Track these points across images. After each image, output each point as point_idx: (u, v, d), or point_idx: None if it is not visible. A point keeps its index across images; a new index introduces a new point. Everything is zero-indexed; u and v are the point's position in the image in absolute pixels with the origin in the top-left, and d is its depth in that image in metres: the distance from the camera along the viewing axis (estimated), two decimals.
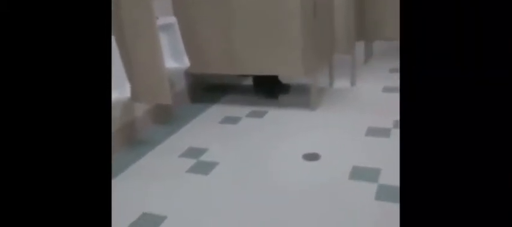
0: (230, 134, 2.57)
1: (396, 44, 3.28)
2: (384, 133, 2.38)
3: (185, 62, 2.63)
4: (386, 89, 3.08)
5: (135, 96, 2.31)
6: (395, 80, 3.20)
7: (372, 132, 2.41)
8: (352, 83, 3.22)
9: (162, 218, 1.78)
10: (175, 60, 2.65)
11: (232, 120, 2.78)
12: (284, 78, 3.23)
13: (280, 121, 2.72)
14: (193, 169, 2.18)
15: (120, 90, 2.14)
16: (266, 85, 3.12)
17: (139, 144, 2.51)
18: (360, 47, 3.51)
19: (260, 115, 2.83)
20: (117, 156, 2.35)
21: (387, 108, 2.70)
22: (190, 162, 2.25)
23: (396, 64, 3.50)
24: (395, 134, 2.36)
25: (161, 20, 2.48)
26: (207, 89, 3.31)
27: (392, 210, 1.69)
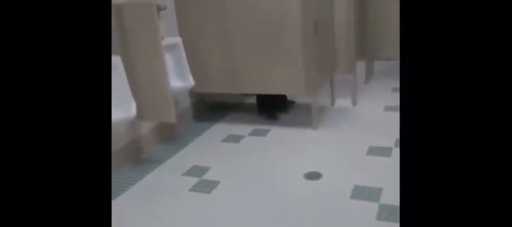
0: (233, 153, 2.61)
1: (397, 63, 3.33)
2: (385, 152, 2.41)
3: (190, 81, 2.68)
4: (388, 108, 3.11)
5: (140, 114, 2.35)
6: (396, 99, 3.23)
7: (373, 151, 2.44)
8: (354, 103, 3.26)
9: None
10: (180, 79, 2.71)
11: (235, 138, 2.81)
12: (290, 96, 3.29)
13: (282, 139, 2.75)
14: (196, 187, 2.20)
15: (126, 109, 2.18)
16: (269, 104, 3.16)
17: (144, 162, 2.55)
18: (361, 66, 3.56)
19: (263, 133, 2.87)
20: (121, 174, 2.38)
21: (388, 127, 2.73)
22: (193, 180, 2.28)
23: (397, 84, 3.54)
24: (397, 153, 2.39)
25: (166, 40, 2.55)
26: (211, 108, 3.35)
27: None
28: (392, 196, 1.93)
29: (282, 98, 3.23)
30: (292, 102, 3.32)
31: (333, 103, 3.28)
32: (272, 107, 3.16)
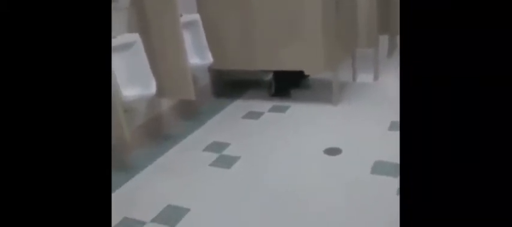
0: (252, 129, 2.61)
1: None
2: None
3: (208, 58, 2.68)
4: None
5: (160, 92, 2.37)
6: None
7: (396, 126, 2.38)
8: (375, 77, 3.18)
9: (186, 211, 1.84)
10: (198, 56, 2.71)
11: (255, 115, 2.81)
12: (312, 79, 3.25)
13: (301, 116, 2.73)
14: (216, 163, 2.23)
15: (146, 86, 2.21)
16: (286, 81, 3.12)
17: (165, 139, 2.58)
18: (383, 40, 3.46)
19: (282, 109, 2.85)
20: (142, 150, 2.43)
21: None
22: (213, 156, 2.30)
23: None
24: None
25: (185, 17, 2.54)
26: (229, 85, 3.35)
27: None
28: None
29: (300, 74, 3.18)
30: (307, 76, 3.27)
31: (354, 78, 3.22)
32: (289, 84, 3.12)
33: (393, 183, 1.85)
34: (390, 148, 2.16)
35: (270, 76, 3.27)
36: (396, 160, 2.02)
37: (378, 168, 1.98)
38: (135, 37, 2.19)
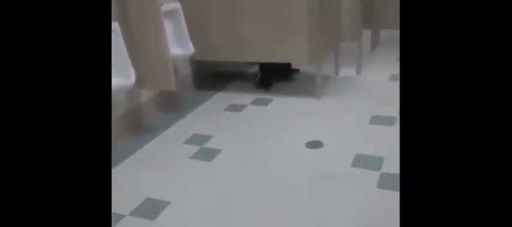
0: (234, 122, 2.58)
1: None
2: (389, 121, 2.37)
3: (190, 49, 2.63)
4: (393, 78, 3.05)
5: (140, 82, 2.31)
6: None
7: (377, 120, 2.40)
8: (358, 72, 3.19)
9: (166, 203, 1.80)
10: (180, 46, 2.65)
11: (237, 108, 2.78)
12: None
13: (284, 109, 2.71)
14: (197, 156, 2.19)
15: (125, 76, 2.15)
16: (272, 73, 3.11)
17: (144, 130, 2.53)
18: (366, 35, 3.47)
19: (265, 102, 2.83)
20: (122, 142, 2.37)
21: (393, 97, 2.68)
22: (194, 149, 2.26)
23: None
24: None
25: (166, 6, 2.48)
26: (212, 76, 3.31)
27: (395, 198, 1.69)
28: (394, 164, 1.91)
29: (287, 66, 3.16)
30: (297, 71, 3.26)
31: (337, 72, 3.22)
32: (274, 76, 3.10)
33: (374, 176, 1.86)
34: (371, 142, 2.17)
35: (255, 68, 3.24)
36: (376, 153, 2.04)
37: (359, 161, 1.99)
38: (115, 26, 2.13)
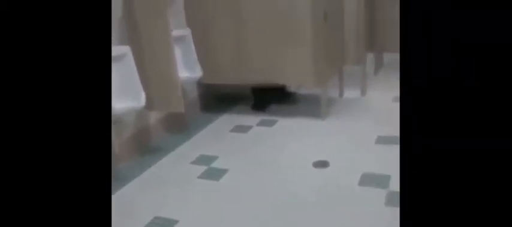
0: (240, 143, 2.61)
1: None
2: (394, 140, 2.39)
3: (198, 72, 2.70)
4: (396, 99, 3.09)
5: (149, 104, 2.37)
6: None
7: (382, 140, 2.42)
8: (362, 93, 3.24)
9: (174, 222, 1.82)
10: (188, 70, 2.73)
11: (243, 129, 2.82)
12: (291, 87, 3.30)
13: (290, 130, 2.75)
14: (204, 175, 2.22)
15: (135, 98, 2.20)
16: (266, 96, 3.17)
17: (153, 151, 2.57)
18: (370, 58, 3.54)
19: (270, 124, 2.87)
20: (130, 162, 2.41)
21: (397, 117, 2.70)
22: (202, 169, 2.29)
23: None
24: None
25: (175, 32, 2.57)
26: (218, 99, 3.37)
27: None
28: None
29: (280, 89, 3.23)
30: (293, 94, 3.32)
31: (341, 94, 3.27)
32: (268, 99, 3.16)
33: (381, 194, 1.87)
34: (377, 161, 2.19)
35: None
36: (383, 172, 2.05)
37: (366, 180, 2.00)
38: (126, 49, 2.20)
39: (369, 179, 2.00)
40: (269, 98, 3.17)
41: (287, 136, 2.65)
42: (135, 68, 2.22)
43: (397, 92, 3.21)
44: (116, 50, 2.17)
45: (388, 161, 2.17)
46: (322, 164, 2.22)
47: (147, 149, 2.59)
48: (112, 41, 2.25)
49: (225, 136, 2.75)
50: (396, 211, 1.74)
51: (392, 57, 3.99)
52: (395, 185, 1.93)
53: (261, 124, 2.89)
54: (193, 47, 2.70)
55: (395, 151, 2.29)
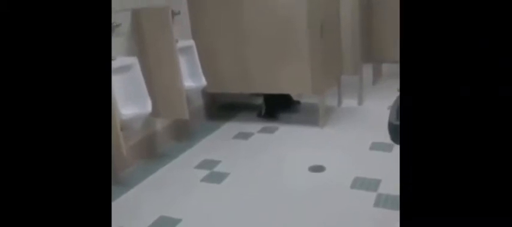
0: (242, 148, 2.75)
1: None
2: (387, 147, 2.51)
3: (202, 82, 2.85)
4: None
5: (155, 112, 2.52)
6: None
7: (376, 146, 2.55)
8: (360, 103, 3.37)
9: (178, 221, 1.96)
10: (193, 80, 2.88)
11: (245, 135, 2.96)
12: (295, 96, 3.44)
13: (289, 137, 2.88)
14: (207, 178, 2.36)
15: (142, 105, 2.35)
16: (276, 104, 3.30)
17: (159, 156, 2.71)
18: (369, 68, 3.67)
19: (271, 130, 3.01)
20: (137, 166, 2.55)
21: None
22: (205, 172, 2.43)
23: None
24: (398, 148, 2.48)
25: (181, 43, 2.73)
26: (222, 107, 3.51)
27: (390, 216, 1.82)
28: (390, 186, 2.04)
29: (287, 98, 3.37)
30: (298, 102, 3.46)
31: (339, 103, 3.40)
32: (278, 107, 3.30)
33: (370, 196, 1.99)
34: (369, 166, 2.32)
35: (260, 100, 3.45)
36: (374, 176, 2.17)
37: (357, 183, 2.13)
38: (133, 60, 2.36)
39: (360, 183, 2.13)
40: (278, 106, 3.31)
41: (286, 143, 2.78)
42: (142, 78, 2.37)
43: (392, 101, 3.33)
44: (124, 60, 2.33)
45: (380, 166, 2.29)
46: (318, 168, 2.34)
47: (154, 154, 2.74)
48: (121, 53, 2.41)
49: (228, 142, 2.89)
50: (384, 211, 1.87)
51: (392, 68, 4.12)
52: (384, 188, 2.05)
53: (263, 131, 3.03)
54: (197, 57, 2.86)
55: (387, 156, 2.42)
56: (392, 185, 2.04)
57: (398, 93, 1.11)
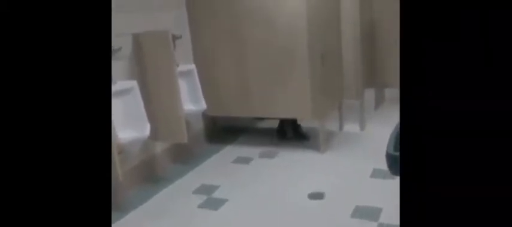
0: (242, 173, 2.71)
1: None
2: (389, 174, 2.45)
3: (202, 105, 2.84)
4: None
5: (154, 135, 2.50)
6: None
7: (377, 174, 2.49)
8: (362, 128, 3.33)
9: None
10: (193, 103, 2.87)
11: (245, 160, 2.92)
12: (304, 128, 3.39)
13: (289, 162, 2.84)
14: (205, 205, 2.31)
15: (140, 129, 2.34)
16: (288, 128, 3.28)
17: (157, 180, 2.68)
18: (371, 93, 3.65)
19: (271, 155, 2.97)
20: (134, 191, 2.51)
21: None
22: (202, 198, 2.39)
23: None
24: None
25: (182, 67, 2.73)
26: (222, 131, 3.49)
27: None
28: (392, 215, 1.98)
29: (295, 123, 3.34)
30: (303, 130, 3.42)
31: (341, 128, 3.36)
32: (289, 130, 3.27)
33: (371, 226, 1.93)
34: (371, 194, 2.26)
35: (262, 124, 3.42)
36: (375, 204, 2.12)
37: (358, 212, 2.07)
38: (133, 84, 2.36)
39: (361, 212, 2.07)
40: (291, 130, 3.28)
41: (286, 168, 2.74)
42: (141, 102, 2.37)
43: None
44: (124, 84, 2.33)
45: (381, 194, 2.23)
46: (317, 196, 2.29)
47: (152, 178, 2.70)
48: (121, 76, 2.41)
49: (227, 166, 2.85)
50: None
51: (394, 93, 4.09)
52: (386, 217, 1.99)
53: (263, 155, 2.99)
54: (198, 81, 2.86)
55: (389, 184, 2.36)
56: (394, 214, 1.97)
57: (398, 121, 1.09)
